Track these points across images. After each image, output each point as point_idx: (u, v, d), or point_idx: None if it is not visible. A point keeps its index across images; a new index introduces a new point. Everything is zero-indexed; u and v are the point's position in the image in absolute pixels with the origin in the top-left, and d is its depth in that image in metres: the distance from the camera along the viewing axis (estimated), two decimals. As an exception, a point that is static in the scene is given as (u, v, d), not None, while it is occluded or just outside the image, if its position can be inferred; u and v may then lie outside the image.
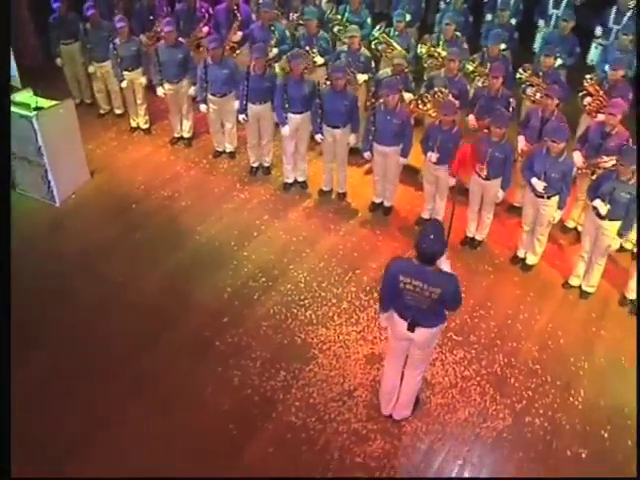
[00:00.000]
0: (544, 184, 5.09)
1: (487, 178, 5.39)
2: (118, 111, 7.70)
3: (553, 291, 5.42)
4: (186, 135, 7.27)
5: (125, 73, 6.97)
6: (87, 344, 4.81)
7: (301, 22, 7.10)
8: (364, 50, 6.64)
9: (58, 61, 7.45)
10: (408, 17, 7.15)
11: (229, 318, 5.06)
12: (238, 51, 7.05)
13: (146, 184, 6.63)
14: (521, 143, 5.76)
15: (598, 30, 7.38)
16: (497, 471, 4.06)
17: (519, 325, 5.07)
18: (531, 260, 5.61)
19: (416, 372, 4.12)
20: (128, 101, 7.36)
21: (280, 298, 5.26)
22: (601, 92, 5.91)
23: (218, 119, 6.77)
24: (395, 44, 6.74)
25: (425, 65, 6.83)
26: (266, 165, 6.82)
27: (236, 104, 6.39)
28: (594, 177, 5.29)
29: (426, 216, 6.02)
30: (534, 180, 5.14)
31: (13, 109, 5.66)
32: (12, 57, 6.62)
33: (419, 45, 6.82)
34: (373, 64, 6.70)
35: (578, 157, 5.50)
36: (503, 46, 6.75)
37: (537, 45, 7.69)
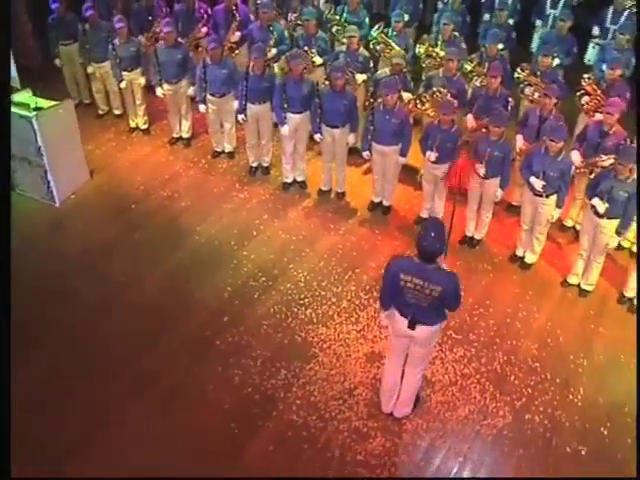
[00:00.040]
0: (543, 183, 5.11)
1: (486, 177, 5.42)
2: (117, 111, 7.70)
3: (552, 289, 5.45)
4: (185, 135, 7.28)
5: (124, 73, 6.97)
6: (87, 344, 4.82)
7: (299, 22, 7.11)
8: (363, 50, 6.67)
9: (57, 62, 7.45)
10: (406, 17, 7.19)
11: (229, 317, 5.07)
12: (237, 51, 7.06)
13: (145, 184, 6.64)
14: (519, 142, 5.78)
15: (595, 30, 7.43)
16: (497, 468, 4.07)
17: (518, 323, 5.09)
18: (530, 259, 5.63)
19: (416, 370, 4.13)
20: (127, 101, 7.36)
21: (280, 297, 5.27)
22: (599, 91, 5.93)
23: (217, 119, 6.78)
24: (393, 44, 6.76)
25: (423, 65, 6.85)
26: (265, 165, 6.83)
27: (235, 104, 6.41)
28: (592, 176, 5.31)
29: (425, 215, 6.04)
30: (533, 179, 5.17)
31: (13, 109, 5.65)
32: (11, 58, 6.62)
33: (417, 45, 6.84)
34: (372, 64, 6.72)
35: (576, 156, 5.52)
36: (501, 46, 6.76)
37: (535, 45, 7.72)
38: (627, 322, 5.07)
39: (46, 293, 5.27)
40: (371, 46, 6.91)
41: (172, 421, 4.27)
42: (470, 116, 6.06)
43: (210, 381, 4.55)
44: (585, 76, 6.11)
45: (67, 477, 3.96)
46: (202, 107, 6.62)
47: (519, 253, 5.70)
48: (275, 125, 6.45)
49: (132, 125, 7.50)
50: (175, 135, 7.30)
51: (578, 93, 6.09)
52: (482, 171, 5.37)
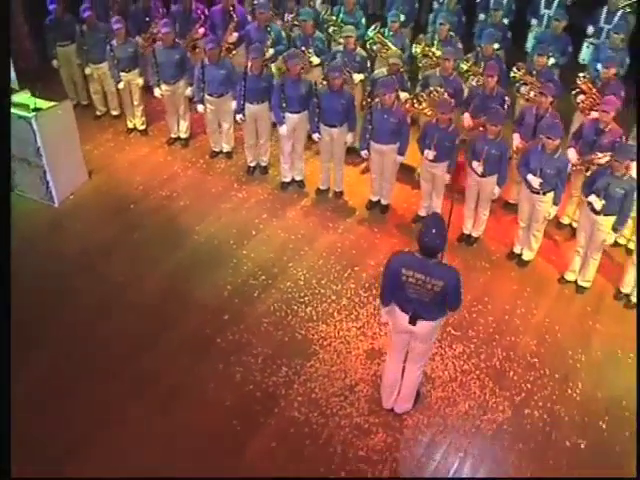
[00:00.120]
0: (540, 180, 5.16)
1: (483, 175, 5.46)
2: (115, 112, 7.70)
3: (549, 286, 5.49)
4: (183, 135, 7.29)
5: (122, 74, 6.97)
6: (87, 344, 4.82)
7: (296, 23, 7.15)
8: (360, 50, 6.71)
9: (54, 63, 7.44)
10: (402, 17, 7.23)
11: (230, 316, 5.08)
12: (234, 52, 7.08)
13: (144, 184, 6.65)
14: (516, 140, 5.84)
15: (590, 29, 7.49)
16: (498, 463, 4.10)
17: (517, 320, 5.13)
18: (527, 256, 5.67)
19: (416, 366, 4.16)
20: (125, 102, 7.37)
21: (280, 295, 5.29)
22: (594, 90, 6.00)
23: (215, 119, 6.80)
24: (390, 44, 6.80)
25: (420, 65, 6.90)
26: (263, 164, 6.86)
27: (233, 104, 6.42)
28: (588, 173, 5.36)
29: (423, 214, 6.07)
30: (530, 176, 5.21)
31: (12, 110, 5.65)
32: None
33: (413, 45, 6.90)
34: (369, 64, 6.76)
35: (573, 154, 5.58)
36: (496, 46, 6.82)
37: (530, 44, 7.76)
38: (624, 318, 5.12)
39: (46, 293, 5.27)
40: (368, 46, 6.96)
41: (172, 421, 4.27)
42: (467, 115, 6.11)
43: (211, 379, 4.56)
44: (580, 75, 6.17)
45: (67, 477, 3.96)
46: (200, 107, 6.64)
47: (516, 250, 5.74)
48: (273, 125, 6.48)
49: (130, 126, 7.50)
50: (173, 135, 7.31)
51: (573, 92, 6.14)
52: (480, 169, 5.41)
